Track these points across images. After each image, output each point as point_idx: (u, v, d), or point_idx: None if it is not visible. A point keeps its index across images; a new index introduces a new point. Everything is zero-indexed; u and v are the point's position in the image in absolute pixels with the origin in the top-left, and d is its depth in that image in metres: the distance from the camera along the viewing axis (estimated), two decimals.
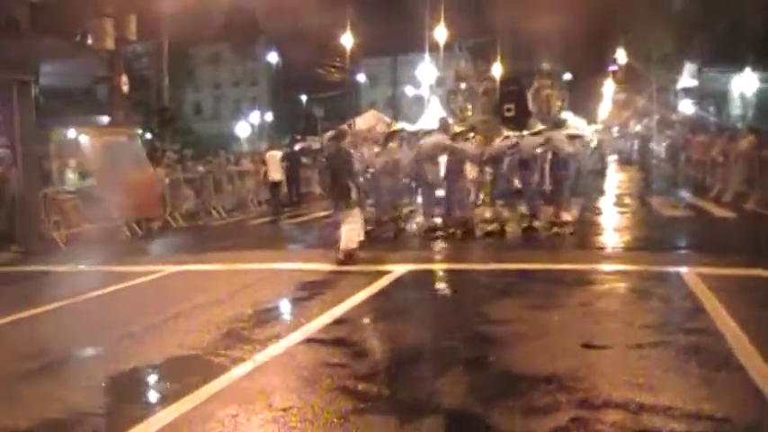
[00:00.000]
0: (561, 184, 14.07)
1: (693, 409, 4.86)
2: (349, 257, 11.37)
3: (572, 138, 14.74)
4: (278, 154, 23.79)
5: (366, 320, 7.89)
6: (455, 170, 14.26)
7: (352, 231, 11.50)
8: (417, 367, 6.22)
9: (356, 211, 11.68)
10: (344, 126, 15.65)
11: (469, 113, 21.16)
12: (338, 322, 7.74)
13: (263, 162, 23.71)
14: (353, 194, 11.65)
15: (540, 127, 15.09)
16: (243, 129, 58.36)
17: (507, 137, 14.68)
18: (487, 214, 14.61)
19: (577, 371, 5.71)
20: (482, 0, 48.94)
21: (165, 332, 7.68)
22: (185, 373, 6.16)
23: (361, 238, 12.05)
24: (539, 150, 14.33)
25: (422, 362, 6.38)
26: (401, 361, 6.39)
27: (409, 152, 15.23)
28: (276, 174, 22.96)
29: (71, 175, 19.69)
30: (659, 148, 38.73)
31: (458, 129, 15.43)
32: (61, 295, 10.15)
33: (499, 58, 43.25)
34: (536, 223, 14.19)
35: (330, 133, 15.68)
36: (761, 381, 5.30)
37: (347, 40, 43.01)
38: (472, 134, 14.99)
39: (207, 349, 6.87)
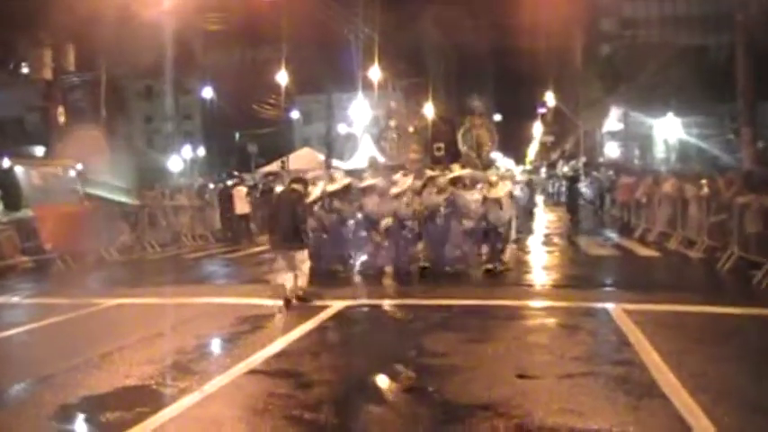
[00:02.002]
0: (495, 223, 14.35)
1: None
2: (308, 296, 11.20)
3: (501, 179, 15.10)
4: (244, 189, 24.51)
5: (309, 352, 8.10)
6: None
7: (305, 273, 11.21)
8: (361, 397, 6.48)
9: (306, 253, 11.33)
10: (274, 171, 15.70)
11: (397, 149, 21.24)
12: (281, 354, 7.96)
13: (229, 197, 24.19)
14: (304, 237, 11.33)
15: (461, 172, 15.42)
16: (175, 163, 57.90)
17: (432, 178, 14.88)
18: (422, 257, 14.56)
19: (512, 399, 6.08)
20: (417, 42, 49.94)
21: (111, 364, 7.78)
22: (135, 403, 6.31)
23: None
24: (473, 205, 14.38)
25: (365, 392, 6.64)
26: (345, 392, 6.66)
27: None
28: (244, 207, 23.95)
29: None
30: (586, 189, 39.77)
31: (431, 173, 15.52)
32: None
33: (431, 98, 44.07)
34: (472, 268, 14.29)
35: (264, 170, 15.73)
36: (682, 408, 5.74)
37: (282, 77, 43.32)
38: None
39: (155, 380, 7.03)
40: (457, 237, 14.25)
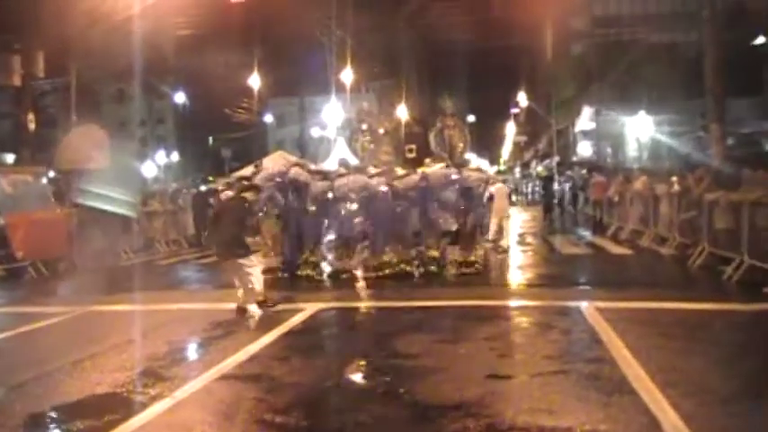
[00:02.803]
0: (468, 223, 14.42)
1: (591, 429, 5.29)
2: (267, 300, 11.00)
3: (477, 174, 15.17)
4: (230, 193, 24.20)
5: (280, 356, 8.08)
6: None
7: (259, 278, 10.88)
8: (333, 400, 6.50)
9: (255, 257, 10.95)
10: (248, 175, 15.53)
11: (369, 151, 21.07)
12: (253, 359, 7.93)
13: (205, 202, 23.86)
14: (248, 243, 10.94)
15: (439, 164, 15.43)
16: (149, 168, 57.60)
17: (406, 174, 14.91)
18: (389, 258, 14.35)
19: (483, 399, 6.10)
20: (389, 44, 49.97)
21: (82, 371, 7.71)
22: (106, 410, 6.26)
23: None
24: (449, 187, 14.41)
25: (336, 394, 6.65)
26: (316, 394, 6.65)
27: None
28: None
29: None
30: (559, 188, 39.98)
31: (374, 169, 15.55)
32: None
33: (404, 99, 44.09)
34: (443, 267, 14.17)
35: (237, 174, 15.54)
36: (651, 403, 5.79)
37: (255, 80, 43.20)
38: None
39: (126, 387, 6.98)
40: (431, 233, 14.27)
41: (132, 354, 8.44)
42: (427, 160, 16.62)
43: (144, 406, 6.33)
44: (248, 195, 11.37)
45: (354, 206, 14.29)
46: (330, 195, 14.55)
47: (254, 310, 10.82)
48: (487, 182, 15.76)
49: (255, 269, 10.78)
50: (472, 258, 14.30)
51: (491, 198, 17.45)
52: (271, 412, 6.04)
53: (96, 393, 6.85)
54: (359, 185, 14.38)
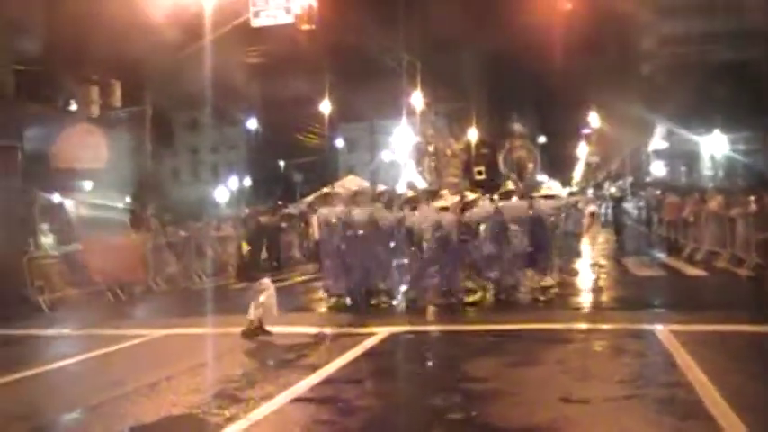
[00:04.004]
0: (544, 248, 13.87)
1: None
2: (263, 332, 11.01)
3: (549, 199, 14.73)
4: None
5: (353, 379, 8.14)
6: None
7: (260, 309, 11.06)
8: (405, 423, 6.52)
9: (266, 282, 11.27)
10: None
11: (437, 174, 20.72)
12: (326, 382, 8.01)
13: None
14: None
15: (511, 187, 15.10)
16: (221, 193, 58.62)
17: (476, 200, 14.59)
18: (469, 284, 13.94)
19: (556, 422, 6.06)
20: (459, 67, 50.09)
21: (159, 393, 7.88)
22: (182, 431, 6.40)
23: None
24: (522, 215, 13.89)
25: (409, 417, 6.68)
26: (389, 417, 6.69)
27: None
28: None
29: (44, 239, 19.71)
30: (633, 209, 39.38)
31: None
32: (50, 358, 10.39)
33: (474, 122, 44.10)
34: (519, 294, 13.72)
35: (309, 199, 15.51)
36: (727, 427, 5.67)
37: (325, 106, 43.78)
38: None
39: (202, 408, 7.12)
40: (506, 259, 13.74)
41: (207, 376, 8.62)
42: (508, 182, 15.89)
43: (219, 427, 6.45)
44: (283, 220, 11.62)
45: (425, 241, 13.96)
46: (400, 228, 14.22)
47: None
48: (560, 208, 15.07)
49: (269, 298, 11.04)
50: (548, 282, 13.96)
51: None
52: None
53: (173, 415, 7.00)
54: (430, 223, 13.93)
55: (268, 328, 11.04)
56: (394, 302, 14.12)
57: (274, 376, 8.66)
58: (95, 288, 17.69)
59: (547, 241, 13.86)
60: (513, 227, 13.84)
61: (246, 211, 29.53)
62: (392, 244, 14.38)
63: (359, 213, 14.36)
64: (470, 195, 14.83)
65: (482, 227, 14.06)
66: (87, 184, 25.15)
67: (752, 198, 17.05)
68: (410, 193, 15.34)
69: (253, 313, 10.99)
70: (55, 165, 23.09)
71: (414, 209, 14.36)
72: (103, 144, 22.23)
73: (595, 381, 7.50)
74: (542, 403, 6.69)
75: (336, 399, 7.29)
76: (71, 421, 7.22)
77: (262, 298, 11.04)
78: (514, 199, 14.51)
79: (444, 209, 14.15)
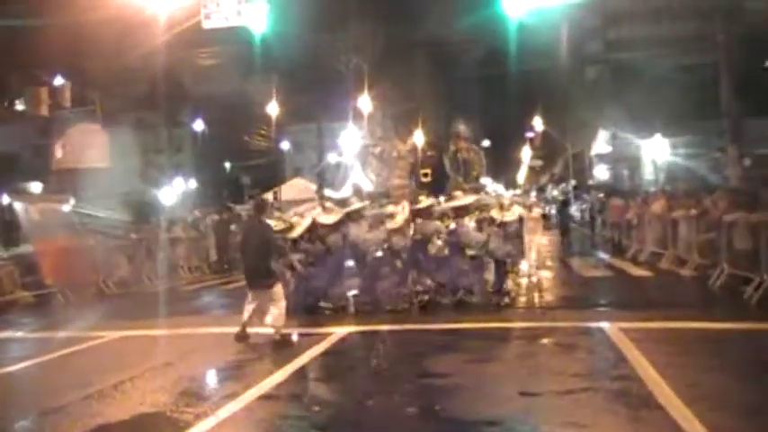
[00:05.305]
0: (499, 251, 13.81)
1: None
2: (285, 340, 10.59)
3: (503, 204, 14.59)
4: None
5: (317, 377, 8.36)
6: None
7: (281, 313, 10.59)
8: (371, 417, 6.75)
9: (279, 289, 10.82)
10: (263, 197, 15.32)
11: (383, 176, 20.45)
12: (290, 379, 8.20)
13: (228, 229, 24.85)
14: (275, 274, 11.05)
15: (466, 199, 14.75)
16: (168, 195, 58.11)
17: (430, 207, 14.41)
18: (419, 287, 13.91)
19: (516, 415, 6.37)
20: (406, 70, 50.40)
21: (125, 393, 7.98)
22: (153, 428, 6.55)
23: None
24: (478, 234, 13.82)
25: (375, 412, 6.91)
26: (355, 411, 6.91)
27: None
28: None
29: None
30: (576, 212, 40.07)
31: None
32: (7, 361, 10.41)
33: (420, 124, 44.40)
34: (474, 298, 13.54)
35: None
36: (679, 417, 6.02)
37: (272, 108, 43.74)
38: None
39: (169, 407, 7.25)
40: (460, 267, 13.66)
41: (170, 376, 8.71)
42: (458, 193, 15.90)
43: (189, 425, 6.59)
44: (263, 218, 11.53)
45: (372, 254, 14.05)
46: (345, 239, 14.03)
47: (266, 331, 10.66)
48: (521, 220, 15.08)
49: (281, 302, 10.66)
50: (507, 288, 14.00)
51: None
52: (313, 429, 6.31)
53: (142, 413, 7.12)
54: (377, 241, 13.97)
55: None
56: (347, 305, 14.11)
57: (238, 375, 8.80)
58: (47, 290, 17.55)
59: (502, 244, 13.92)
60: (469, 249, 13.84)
61: (197, 213, 29.67)
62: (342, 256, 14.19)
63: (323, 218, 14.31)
64: (425, 201, 14.90)
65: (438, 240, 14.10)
66: (37, 186, 24.88)
67: (693, 201, 17.60)
68: (353, 200, 15.26)
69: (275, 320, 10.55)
70: (3, 166, 22.93)
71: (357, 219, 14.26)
72: (53, 145, 21.97)
73: (551, 375, 7.81)
74: (502, 397, 7.00)
75: (302, 395, 7.49)
76: (39, 422, 7.25)
77: (282, 305, 10.67)
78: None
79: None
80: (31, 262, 17.84)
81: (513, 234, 14.26)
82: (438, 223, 14.15)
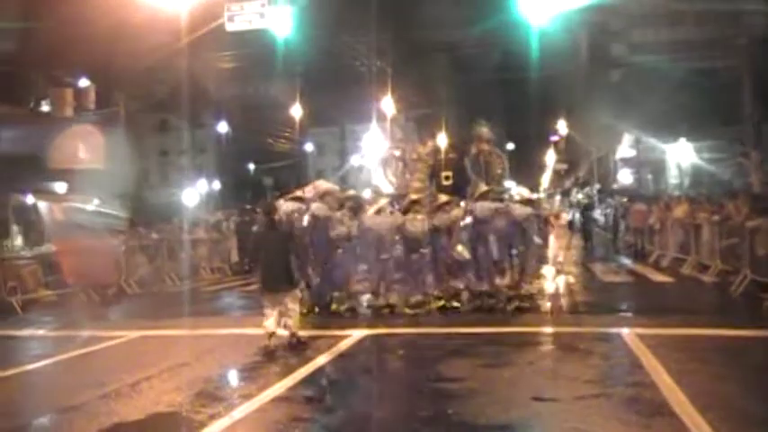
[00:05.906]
0: (522, 253, 13.69)
1: None
2: (300, 342, 10.45)
3: (526, 203, 14.51)
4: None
5: (331, 379, 8.38)
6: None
7: (297, 316, 10.61)
8: (384, 420, 6.77)
9: (297, 293, 10.92)
10: (274, 201, 15.37)
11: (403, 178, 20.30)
12: (305, 381, 8.22)
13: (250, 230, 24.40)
14: (295, 275, 10.97)
15: (485, 188, 14.62)
16: (190, 197, 58.40)
17: (449, 202, 14.47)
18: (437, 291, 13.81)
19: (529, 420, 6.38)
20: (429, 73, 50.41)
21: (141, 392, 8.05)
22: (167, 428, 6.60)
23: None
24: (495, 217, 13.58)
25: (387, 415, 6.93)
26: (368, 415, 6.93)
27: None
28: None
29: (16, 242, 19.77)
30: (600, 216, 39.83)
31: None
32: (27, 359, 10.53)
33: (444, 127, 44.37)
34: (491, 300, 13.41)
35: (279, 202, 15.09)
36: (691, 425, 5.99)
37: (296, 110, 43.86)
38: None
39: (184, 407, 7.31)
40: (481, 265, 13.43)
41: (187, 376, 8.77)
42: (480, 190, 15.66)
43: (203, 425, 6.64)
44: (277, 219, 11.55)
45: (385, 251, 13.80)
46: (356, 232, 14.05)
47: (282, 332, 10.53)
48: (539, 216, 14.93)
49: (297, 306, 10.72)
50: (529, 291, 13.77)
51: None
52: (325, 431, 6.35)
53: (157, 413, 7.18)
54: (392, 227, 13.89)
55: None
56: (363, 307, 14.16)
57: (254, 376, 8.84)
58: (68, 290, 17.71)
59: (526, 247, 13.83)
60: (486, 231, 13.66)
61: (219, 214, 29.81)
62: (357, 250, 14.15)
63: (318, 208, 14.36)
64: (442, 198, 14.92)
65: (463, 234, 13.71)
66: (61, 186, 25.10)
67: (716, 206, 17.49)
68: (377, 198, 15.30)
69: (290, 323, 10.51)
70: (29, 166, 23.17)
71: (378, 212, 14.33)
72: (78, 146, 22.17)
73: (565, 381, 7.79)
74: (515, 401, 6.99)
75: (315, 398, 7.53)
76: (55, 420, 7.35)
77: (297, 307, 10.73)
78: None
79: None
80: (54, 261, 18.01)
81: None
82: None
